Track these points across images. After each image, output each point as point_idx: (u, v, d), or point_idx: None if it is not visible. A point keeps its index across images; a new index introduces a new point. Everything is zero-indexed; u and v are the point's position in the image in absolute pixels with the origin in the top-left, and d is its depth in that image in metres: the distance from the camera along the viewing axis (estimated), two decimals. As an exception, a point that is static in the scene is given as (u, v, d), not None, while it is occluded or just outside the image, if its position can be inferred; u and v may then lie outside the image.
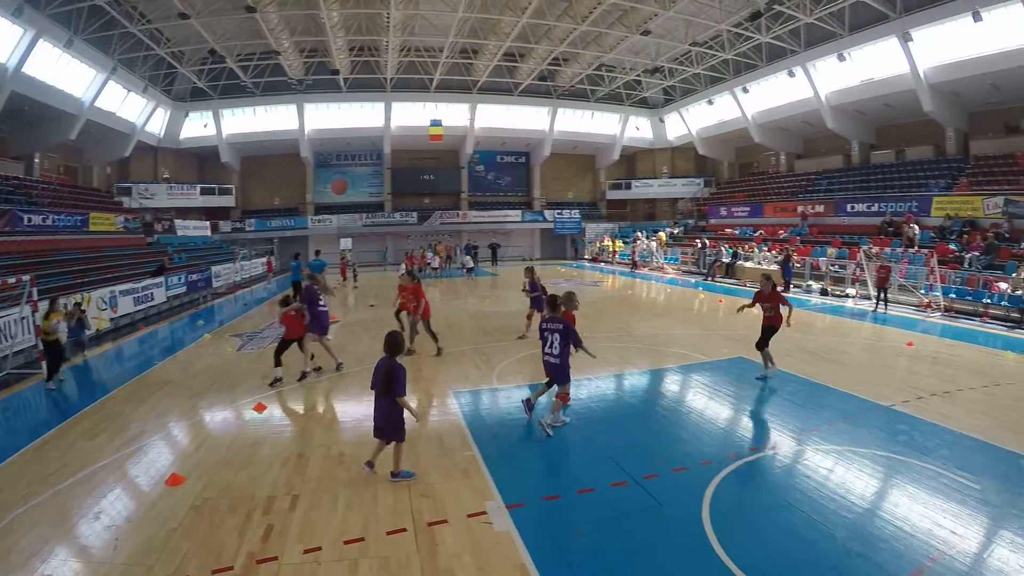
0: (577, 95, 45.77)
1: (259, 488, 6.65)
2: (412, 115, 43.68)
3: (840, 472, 7.18)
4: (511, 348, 14.00)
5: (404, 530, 5.60)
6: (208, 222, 40.95)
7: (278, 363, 11.16)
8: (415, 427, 8.24)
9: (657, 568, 5.09)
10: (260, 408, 9.64)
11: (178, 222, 36.68)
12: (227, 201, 43.96)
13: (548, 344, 8.39)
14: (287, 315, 11.22)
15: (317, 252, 26.15)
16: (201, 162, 44.06)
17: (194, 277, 25.90)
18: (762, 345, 11.10)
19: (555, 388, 8.49)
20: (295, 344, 11.37)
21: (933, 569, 4.99)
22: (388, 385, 6.63)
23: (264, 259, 38.37)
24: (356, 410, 9.58)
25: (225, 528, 5.71)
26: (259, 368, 12.32)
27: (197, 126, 41.10)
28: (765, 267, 28.08)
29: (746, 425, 9.10)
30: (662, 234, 42.26)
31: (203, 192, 42.25)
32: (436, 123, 42.49)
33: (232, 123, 42.10)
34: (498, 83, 42.54)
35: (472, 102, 43.68)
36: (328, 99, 42.02)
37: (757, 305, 11.16)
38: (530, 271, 15.73)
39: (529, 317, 15.28)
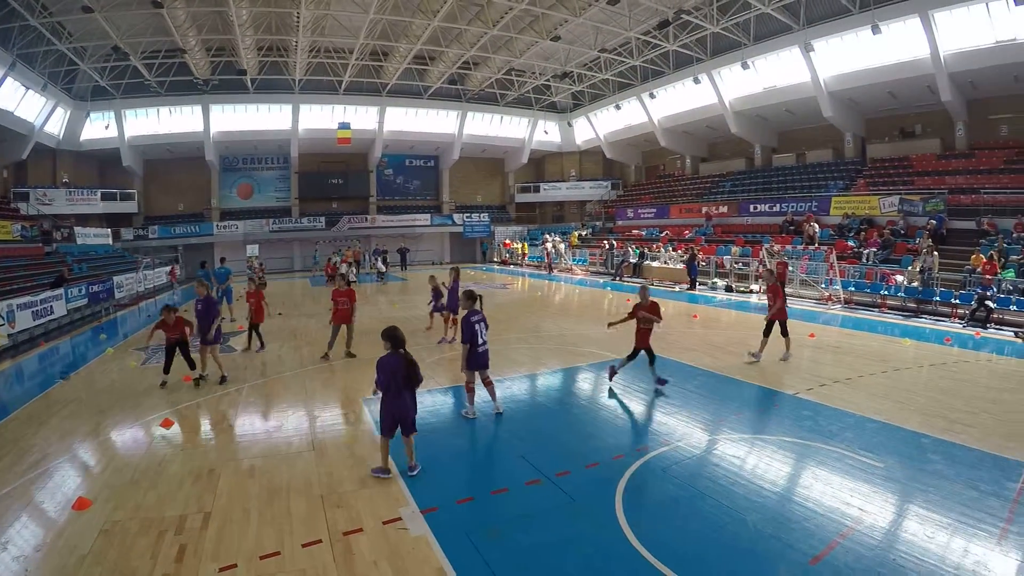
0: (486, 99, 46.07)
1: (170, 507, 6.43)
2: (320, 118, 42.91)
3: (749, 459, 7.56)
4: (423, 352, 13.88)
5: (319, 541, 5.53)
6: (109, 230, 38.63)
7: (191, 366, 11.25)
8: (325, 436, 8.38)
9: (574, 561, 5.21)
10: (167, 424, 9.30)
11: (78, 230, 34.52)
12: (129, 207, 41.77)
13: (481, 335, 8.84)
14: (179, 319, 11.11)
15: (222, 259, 25.46)
16: (102, 166, 41.55)
17: (95, 288, 24.50)
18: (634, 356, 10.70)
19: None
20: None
21: (844, 545, 5.31)
22: (413, 377, 6.82)
23: (168, 268, 36.72)
24: (263, 423, 9.46)
25: (137, 551, 5.50)
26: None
27: (99, 128, 38.92)
28: (671, 266, 28.95)
29: (656, 419, 9.36)
30: (573, 235, 43.09)
31: (104, 198, 39.97)
32: (344, 126, 41.93)
33: (135, 125, 40.00)
34: (408, 86, 42.26)
35: (381, 105, 43.22)
36: (235, 100, 40.66)
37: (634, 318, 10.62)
38: (455, 272, 15.45)
39: (447, 319, 15.23)
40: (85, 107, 37.46)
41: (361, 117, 43.56)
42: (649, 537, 5.47)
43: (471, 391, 9.28)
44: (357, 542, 5.51)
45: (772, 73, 33.02)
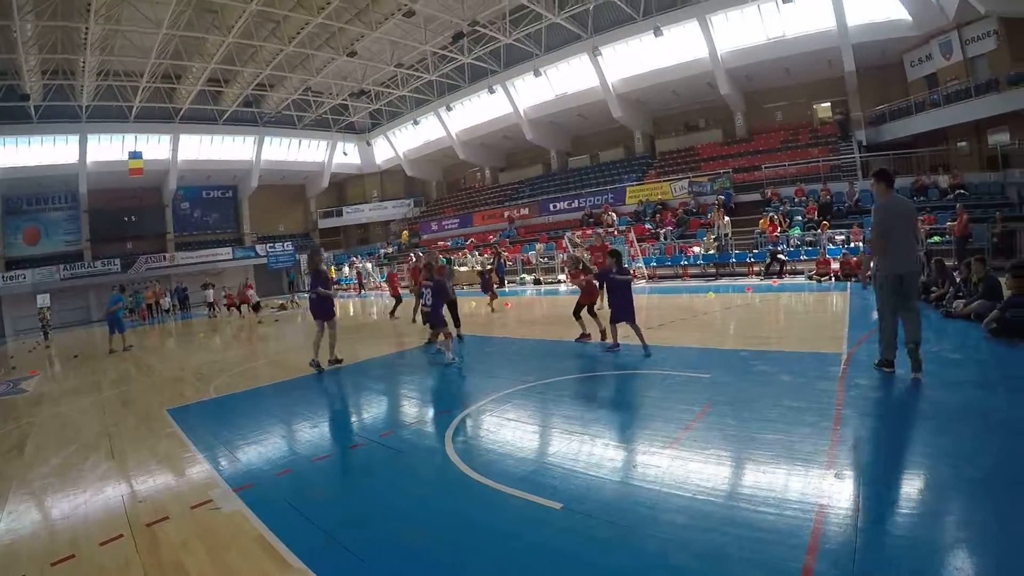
0: (284, 122, 44.33)
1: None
2: (110, 150, 38.89)
3: (580, 391, 7.67)
4: (230, 366, 13.02)
5: (120, 536, 4.79)
6: None
7: None
8: (131, 444, 7.58)
9: (408, 494, 4.99)
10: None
11: None
12: None
13: (424, 297, 11.02)
14: None
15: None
16: None
17: None
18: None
19: None
20: None
21: (686, 439, 5.39)
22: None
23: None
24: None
25: None
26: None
27: None
28: (480, 269, 29.43)
29: (480, 380, 9.18)
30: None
31: None
32: (136, 155, 38.24)
33: None
34: (202, 111, 39.62)
35: (174, 132, 40.12)
36: (17, 131, 35.18)
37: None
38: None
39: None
40: None
41: (154, 147, 40.17)
42: (482, 467, 5.30)
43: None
44: (163, 530, 4.83)
45: (564, 80, 34.60)
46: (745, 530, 3.65)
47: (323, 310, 11.02)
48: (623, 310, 9.41)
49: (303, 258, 46.23)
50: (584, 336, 10.66)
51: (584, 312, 10.83)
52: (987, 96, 20.67)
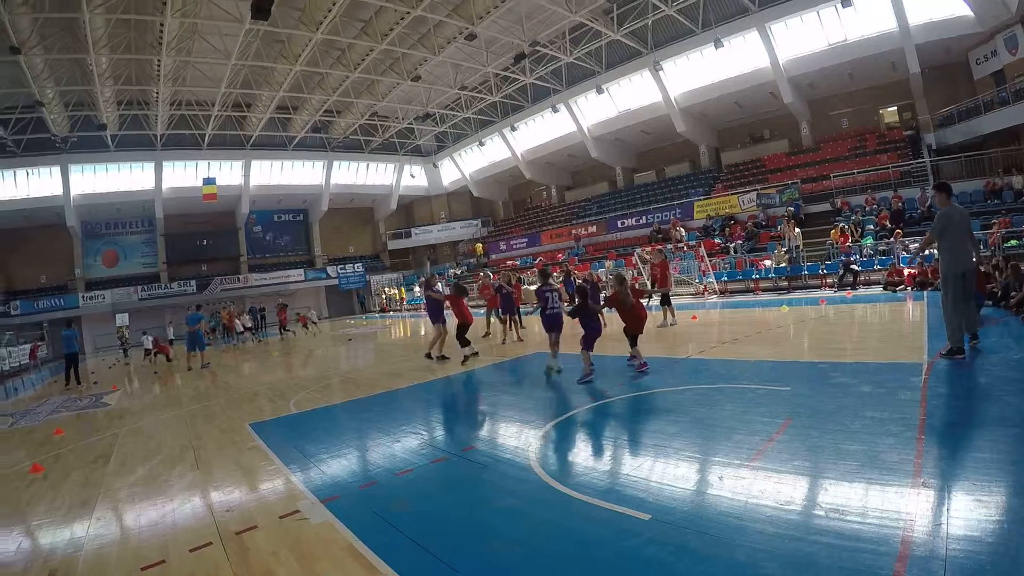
0: (352, 147, 45.68)
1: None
2: (184, 176, 40.95)
3: (659, 409, 7.62)
4: (306, 383, 13.50)
5: (209, 544, 4.96)
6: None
7: None
8: (215, 457, 7.92)
9: (495, 507, 5.14)
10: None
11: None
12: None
13: (550, 301, 10.75)
14: None
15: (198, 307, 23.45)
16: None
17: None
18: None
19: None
20: None
21: (770, 450, 5.43)
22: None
23: (28, 346, 32.74)
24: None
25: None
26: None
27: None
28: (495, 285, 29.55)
29: (560, 397, 9.21)
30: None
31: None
32: (210, 181, 40.21)
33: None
34: (272, 137, 41.34)
35: (246, 158, 41.94)
36: (95, 159, 37.60)
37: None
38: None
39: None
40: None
41: (226, 173, 42.00)
42: (567, 480, 5.39)
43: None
44: (252, 539, 4.98)
45: (626, 97, 34.78)
46: (833, 539, 3.69)
47: (435, 314, 14.11)
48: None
49: (372, 279, 47.66)
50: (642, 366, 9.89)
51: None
52: (1058, 90, 19.89)
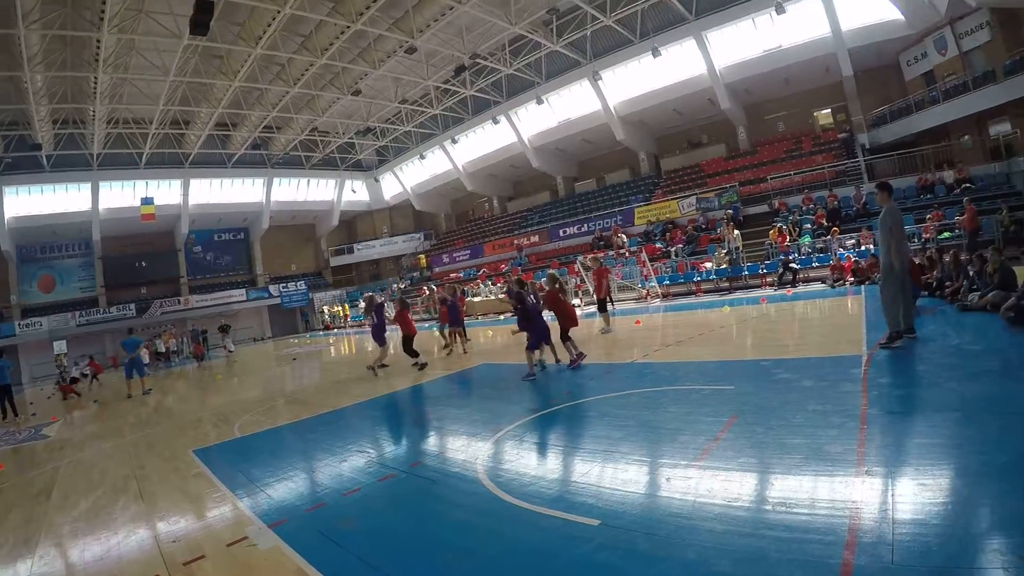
0: (292, 163, 45.05)
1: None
2: (122, 196, 39.56)
3: (605, 414, 7.54)
4: (251, 406, 13.14)
5: None
6: None
7: None
8: (160, 486, 7.59)
9: (444, 521, 5.08)
10: None
11: None
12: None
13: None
14: None
15: (129, 331, 23.15)
16: None
17: None
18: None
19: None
20: None
21: (716, 449, 5.45)
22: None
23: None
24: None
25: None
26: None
27: None
28: (494, 299, 29.50)
29: (501, 406, 9.12)
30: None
31: None
32: (148, 201, 39.04)
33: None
34: (211, 155, 40.33)
35: (185, 177, 40.81)
36: (29, 180, 36.02)
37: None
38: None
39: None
40: None
41: (164, 192, 40.87)
42: (521, 492, 5.30)
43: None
44: (201, 568, 4.82)
45: (566, 107, 35.05)
46: (783, 532, 3.70)
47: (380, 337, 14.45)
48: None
49: (315, 297, 46.95)
50: (579, 357, 10.59)
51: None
52: (985, 88, 20.86)
